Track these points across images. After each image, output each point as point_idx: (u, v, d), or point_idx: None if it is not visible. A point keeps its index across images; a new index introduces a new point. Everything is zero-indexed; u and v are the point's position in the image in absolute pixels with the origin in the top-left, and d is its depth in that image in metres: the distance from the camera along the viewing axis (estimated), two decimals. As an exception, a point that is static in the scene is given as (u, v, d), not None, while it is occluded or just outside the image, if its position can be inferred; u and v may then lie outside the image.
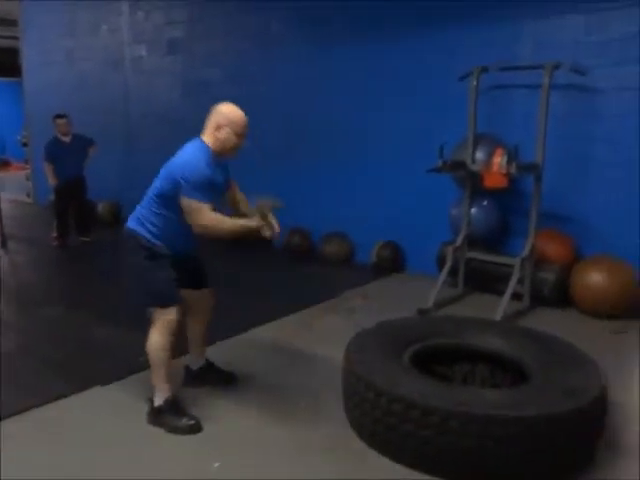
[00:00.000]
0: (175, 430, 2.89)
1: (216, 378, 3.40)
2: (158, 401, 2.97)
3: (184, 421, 2.92)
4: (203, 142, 2.91)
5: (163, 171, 2.92)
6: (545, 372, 2.79)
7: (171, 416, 2.93)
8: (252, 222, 2.84)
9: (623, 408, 3.15)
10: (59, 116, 7.01)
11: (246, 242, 6.86)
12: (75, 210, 7.22)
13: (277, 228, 2.88)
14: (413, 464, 2.56)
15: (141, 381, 3.26)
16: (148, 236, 2.92)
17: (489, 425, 2.38)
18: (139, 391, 3.19)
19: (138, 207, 3.02)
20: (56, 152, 6.93)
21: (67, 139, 6.99)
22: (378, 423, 2.63)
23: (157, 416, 2.96)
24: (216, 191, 2.91)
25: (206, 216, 2.79)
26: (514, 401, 2.53)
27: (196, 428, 2.91)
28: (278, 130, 6.80)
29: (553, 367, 2.83)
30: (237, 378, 3.45)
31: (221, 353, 3.69)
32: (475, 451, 2.41)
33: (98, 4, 8.62)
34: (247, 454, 2.75)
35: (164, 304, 2.92)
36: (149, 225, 2.92)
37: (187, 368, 3.42)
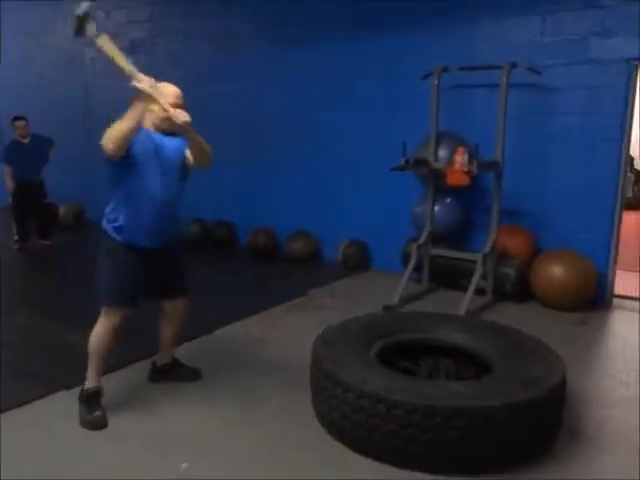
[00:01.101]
0: (82, 422, 2.93)
1: (181, 374, 3.42)
2: (85, 386, 3.03)
3: (91, 415, 2.93)
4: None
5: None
6: (507, 364, 2.87)
7: (83, 407, 2.98)
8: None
9: (583, 398, 3.26)
10: (17, 118, 6.85)
11: (211, 243, 6.86)
12: (35, 213, 7.09)
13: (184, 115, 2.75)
14: (382, 457, 2.60)
15: (106, 383, 3.21)
16: (111, 231, 2.91)
17: (452, 416, 2.44)
18: (105, 392, 3.15)
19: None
20: (15, 154, 6.78)
21: (26, 141, 6.86)
22: (346, 419, 2.66)
23: (79, 401, 3.01)
24: (147, 160, 2.82)
25: (107, 135, 2.66)
26: (477, 392, 2.60)
27: (97, 425, 2.92)
28: (242, 130, 6.79)
29: (515, 359, 2.92)
30: (202, 375, 3.47)
31: (187, 354, 3.67)
32: (440, 442, 2.47)
33: (55, 2, 8.44)
34: (216, 453, 2.75)
35: (108, 305, 2.94)
36: (111, 219, 2.91)
37: (153, 363, 3.44)
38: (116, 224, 2.90)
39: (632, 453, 2.77)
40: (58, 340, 4.05)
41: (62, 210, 8.16)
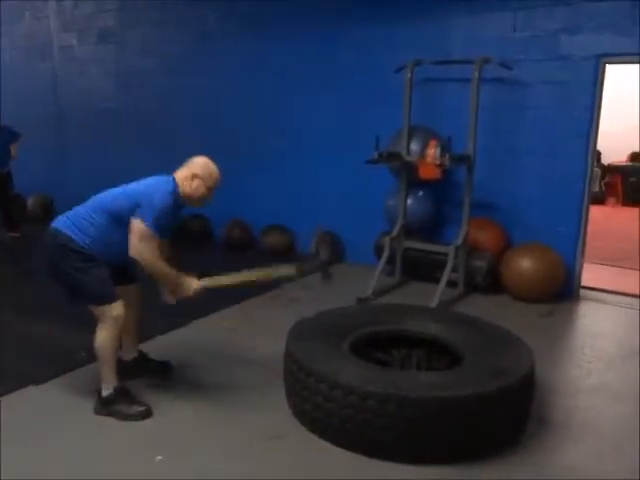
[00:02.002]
0: (126, 417, 2.92)
1: (151, 368, 3.39)
2: (106, 391, 2.97)
3: (134, 408, 2.96)
4: (175, 181, 3.02)
5: (122, 192, 2.97)
6: (477, 354, 2.92)
7: (122, 404, 2.96)
8: (185, 285, 3.19)
9: (551, 387, 3.34)
10: (-21, 108, 6.70)
11: (186, 236, 6.80)
12: (1, 204, 6.94)
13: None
14: (354, 447, 2.63)
15: (76, 378, 3.18)
16: (82, 243, 2.88)
17: (425, 406, 2.47)
18: (73, 388, 3.12)
19: (73, 213, 2.96)
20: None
21: (-9, 132, 6.71)
22: (319, 409, 2.68)
23: (106, 406, 2.97)
24: (165, 226, 3.00)
25: (151, 249, 2.87)
26: (448, 383, 2.64)
27: (147, 413, 2.96)
28: (215, 122, 6.72)
29: (485, 349, 2.97)
30: (173, 367, 3.44)
31: (161, 347, 3.65)
32: (412, 432, 2.51)
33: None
34: (190, 445, 2.75)
35: (107, 301, 2.92)
36: (85, 236, 2.89)
37: (120, 360, 3.37)
38: (90, 243, 2.89)
39: (599, 440, 2.85)
40: (26, 335, 3.98)
41: (30, 201, 8.01)
